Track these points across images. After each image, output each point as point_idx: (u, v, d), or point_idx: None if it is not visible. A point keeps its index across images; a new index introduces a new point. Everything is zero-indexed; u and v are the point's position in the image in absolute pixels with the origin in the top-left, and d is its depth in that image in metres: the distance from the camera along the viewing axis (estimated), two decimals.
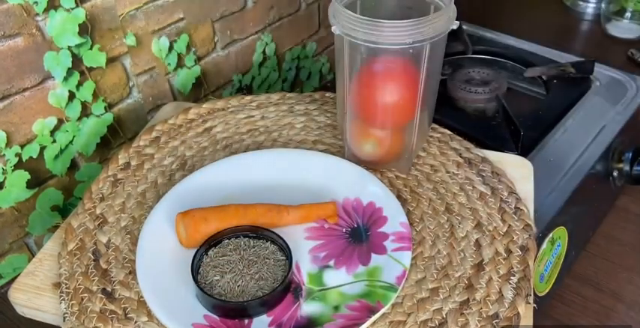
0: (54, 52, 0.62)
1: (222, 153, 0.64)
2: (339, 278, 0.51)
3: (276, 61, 0.92)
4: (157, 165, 0.63)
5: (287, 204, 0.55)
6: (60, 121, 0.66)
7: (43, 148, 0.66)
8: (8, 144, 0.63)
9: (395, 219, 0.55)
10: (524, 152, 0.72)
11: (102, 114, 0.71)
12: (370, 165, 0.61)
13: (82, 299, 0.50)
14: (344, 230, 0.55)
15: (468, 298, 0.49)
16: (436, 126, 0.66)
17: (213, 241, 0.52)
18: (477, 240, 0.54)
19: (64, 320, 0.49)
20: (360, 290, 0.50)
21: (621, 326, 0.72)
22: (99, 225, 0.56)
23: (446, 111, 0.75)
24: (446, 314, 0.48)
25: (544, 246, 0.66)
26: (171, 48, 0.75)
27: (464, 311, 0.48)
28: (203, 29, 0.77)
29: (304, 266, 0.52)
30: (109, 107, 0.71)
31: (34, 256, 0.55)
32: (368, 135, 0.59)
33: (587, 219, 0.82)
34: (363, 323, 0.47)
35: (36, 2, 0.59)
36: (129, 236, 0.55)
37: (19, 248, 0.69)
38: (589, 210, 0.81)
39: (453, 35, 0.91)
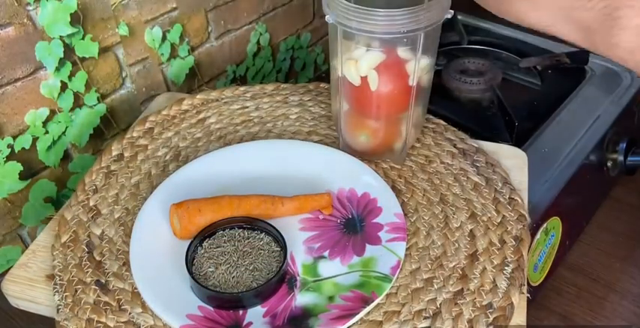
0: (45, 42, 0.62)
1: (216, 144, 0.64)
2: (334, 269, 0.51)
3: (270, 52, 0.91)
4: (151, 156, 0.62)
5: (281, 195, 0.55)
6: (52, 112, 0.66)
7: (35, 139, 0.66)
8: (0, 135, 0.62)
9: (389, 210, 0.55)
10: (519, 142, 0.72)
11: (95, 105, 0.70)
12: (365, 156, 0.60)
13: (76, 291, 0.49)
14: (338, 221, 0.55)
15: (462, 288, 0.49)
16: (431, 116, 0.66)
17: (207, 232, 0.52)
18: (471, 230, 0.54)
19: (57, 312, 0.49)
20: (354, 281, 0.50)
21: (623, 326, 0.72)
22: (92, 216, 0.56)
23: (441, 101, 0.75)
24: (440, 304, 0.48)
25: (538, 236, 0.66)
26: (164, 38, 0.74)
27: (458, 301, 0.48)
28: (196, 19, 0.77)
29: (299, 257, 0.52)
30: (102, 98, 0.71)
31: (27, 248, 0.55)
32: (362, 126, 0.59)
33: (582, 209, 0.82)
34: (357, 314, 0.47)
35: None
36: (122, 227, 0.55)
37: (13, 240, 0.69)
38: (583, 201, 0.81)
39: (448, 25, 0.91)
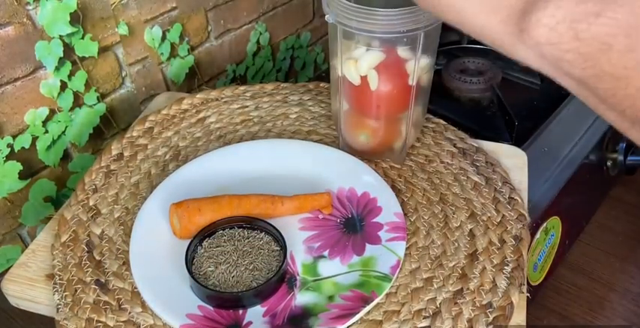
0: (45, 42, 0.62)
1: (215, 144, 0.64)
2: (334, 269, 0.51)
3: (270, 51, 0.91)
4: (151, 155, 0.62)
5: (281, 195, 0.55)
6: (52, 111, 0.66)
7: (35, 139, 0.66)
8: (0, 134, 0.62)
9: (389, 210, 0.55)
10: (519, 142, 0.72)
11: (94, 105, 0.70)
12: (365, 156, 0.60)
13: (76, 291, 0.49)
14: (338, 220, 0.55)
15: (462, 288, 0.49)
16: (431, 116, 0.66)
17: (207, 232, 0.52)
18: (470, 229, 0.54)
19: (57, 311, 0.49)
20: (354, 280, 0.50)
21: (623, 326, 0.73)
22: (92, 216, 0.56)
23: (441, 101, 0.75)
24: (440, 304, 0.48)
25: (538, 235, 0.66)
26: (164, 37, 0.74)
27: (458, 301, 0.48)
28: (196, 18, 0.77)
29: (298, 256, 0.52)
30: (102, 97, 0.71)
31: (27, 247, 0.55)
32: (362, 125, 0.59)
33: (581, 208, 0.82)
34: (357, 313, 0.47)
35: None
36: (122, 227, 0.55)
37: (12, 240, 0.69)
38: (583, 200, 0.81)
39: (448, 25, 0.91)
